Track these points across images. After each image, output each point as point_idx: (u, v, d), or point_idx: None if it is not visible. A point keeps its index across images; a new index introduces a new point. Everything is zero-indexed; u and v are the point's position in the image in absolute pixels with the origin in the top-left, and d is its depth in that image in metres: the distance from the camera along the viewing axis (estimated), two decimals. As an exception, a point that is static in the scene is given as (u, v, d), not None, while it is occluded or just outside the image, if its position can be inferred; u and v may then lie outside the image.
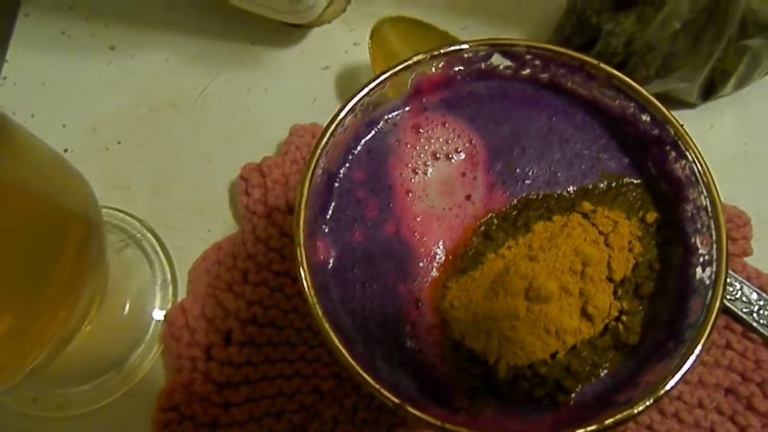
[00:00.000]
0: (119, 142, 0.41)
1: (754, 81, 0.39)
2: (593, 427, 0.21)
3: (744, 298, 0.36)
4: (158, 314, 0.37)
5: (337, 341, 0.21)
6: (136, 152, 0.41)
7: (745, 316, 0.35)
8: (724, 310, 0.35)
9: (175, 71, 0.43)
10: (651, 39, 0.37)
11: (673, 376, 0.21)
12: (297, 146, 0.39)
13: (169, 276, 0.38)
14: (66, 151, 0.41)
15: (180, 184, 0.40)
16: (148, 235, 0.39)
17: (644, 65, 0.37)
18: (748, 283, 0.36)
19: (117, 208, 0.39)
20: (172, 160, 0.40)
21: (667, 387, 0.21)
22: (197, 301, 0.37)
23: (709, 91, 0.39)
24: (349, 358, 0.21)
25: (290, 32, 0.43)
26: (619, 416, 0.21)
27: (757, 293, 0.36)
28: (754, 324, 0.35)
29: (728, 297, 0.36)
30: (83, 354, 0.36)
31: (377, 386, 0.21)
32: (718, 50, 0.36)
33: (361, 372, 0.21)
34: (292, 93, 0.42)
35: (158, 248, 0.39)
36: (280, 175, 0.38)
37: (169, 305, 0.37)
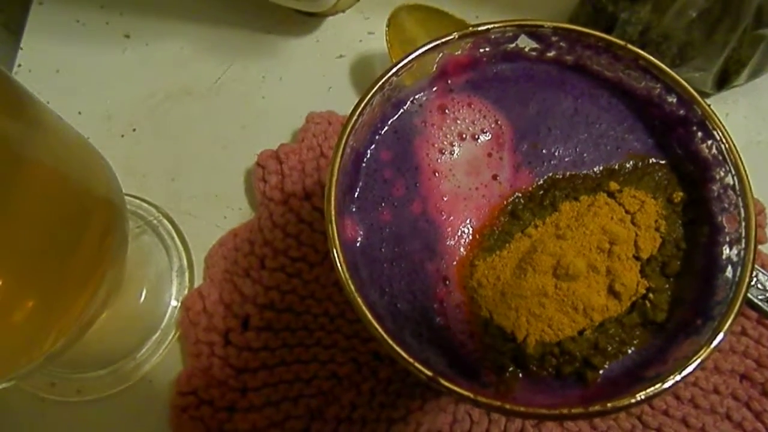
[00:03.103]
0: (134, 130, 0.41)
1: (768, 71, 0.40)
2: (625, 402, 0.21)
3: (759, 286, 0.36)
4: (174, 300, 0.37)
5: (370, 316, 0.21)
6: (151, 139, 0.41)
7: (760, 303, 0.35)
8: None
9: (190, 60, 0.43)
10: (667, 28, 0.37)
11: (705, 350, 0.21)
12: (314, 133, 0.39)
13: (185, 262, 0.38)
14: (82, 137, 0.41)
15: (196, 171, 0.40)
16: (165, 221, 0.39)
17: (660, 54, 0.37)
18: (763, 271, 0.36)
19: (133, 195, 0.39)
20: (187, 147, 0.40)
21: (699, 360, 0.21)
22: (214, 286, 0.37)
23: (724, 81, 0.39)
24: (383, 333, 0.21)
25: (305, 21, 0.43)
26: (650, 390, 0.21)
27: (772, 280, 0.36)
28: (769, 311, 0.36)
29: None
30: (100, 339, 0.36)
31: (410, 359, 0.21)
32: (733, 40, 0.37)
33: (395, 346, 0.21)
34: (307, 81, 0.42)
35: (174, 235, 0.39)
36: (297, 161, 0.38)
37: (186, 291, 0.37)
